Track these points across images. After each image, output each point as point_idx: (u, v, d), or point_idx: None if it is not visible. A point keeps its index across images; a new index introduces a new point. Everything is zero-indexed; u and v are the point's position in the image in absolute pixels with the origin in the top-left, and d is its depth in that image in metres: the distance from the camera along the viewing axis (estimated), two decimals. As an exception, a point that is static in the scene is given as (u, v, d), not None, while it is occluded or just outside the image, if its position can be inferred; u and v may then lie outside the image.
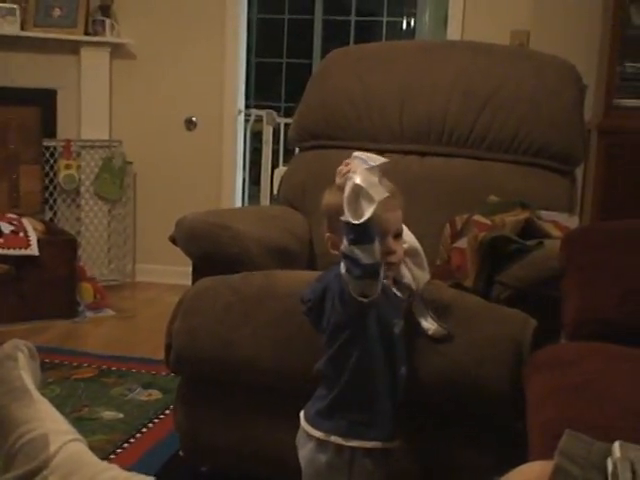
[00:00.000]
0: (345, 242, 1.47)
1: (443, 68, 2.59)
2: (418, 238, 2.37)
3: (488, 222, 2.09)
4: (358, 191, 1.44)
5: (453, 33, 3.99)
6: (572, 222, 2.18)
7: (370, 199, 1.43)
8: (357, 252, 1.44)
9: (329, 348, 1.62)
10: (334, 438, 1.59)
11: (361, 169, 1.48)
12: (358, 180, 1.45)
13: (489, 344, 1.76)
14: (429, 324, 1.73)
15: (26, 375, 1.21)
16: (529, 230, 2.04)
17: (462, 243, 2.10)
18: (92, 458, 1.13)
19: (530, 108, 2.47)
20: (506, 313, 1.83)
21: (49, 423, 1.14)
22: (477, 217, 2.14)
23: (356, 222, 1.41)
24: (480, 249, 1.96)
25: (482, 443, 1.80)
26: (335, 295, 1.56)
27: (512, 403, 1.70)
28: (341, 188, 1.50)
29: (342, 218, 1.45)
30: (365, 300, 1.50)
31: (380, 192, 1.45)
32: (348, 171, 1.50)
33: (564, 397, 1.27)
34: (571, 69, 2.55)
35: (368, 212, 1.42)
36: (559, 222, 2.13)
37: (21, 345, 1.29)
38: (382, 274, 1.52)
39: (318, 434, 1.60)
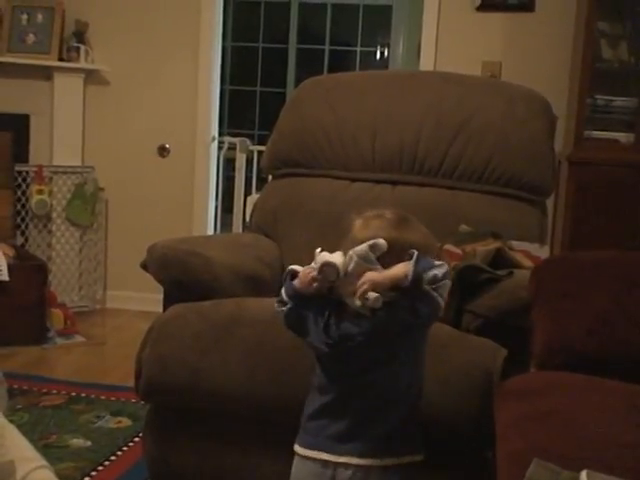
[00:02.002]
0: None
1: (415, 98, 2.62)
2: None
3: (459, 251, 2.11)
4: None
5: (426, 63, 4.04)
6: (543, 252, 2.21)
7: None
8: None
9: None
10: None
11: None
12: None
13: (459, 373, 1.76)
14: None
15: (-7, 401, 1.20)
16: (500, 260, 2.06)
17: (433, 272, 2.11)
18: (58, 486, 1.11)
19: (501, 138, 2.50)
20: (476, 342, 1.84)
21: (15, 450, 1.13)
22: (448, 246, 2.16)
23: None
24: (451, 278, 1.97)
25: (451, 472, 1.80)
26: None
27: (481, 432, 1.71)
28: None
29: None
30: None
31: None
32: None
33: (532, 426, 1.28)
34: (542, 100, 2.59)
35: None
36: (530, 252, 2.16)
37: (-13, 371, 1.28)
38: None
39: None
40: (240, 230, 4.39)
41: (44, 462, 1.14)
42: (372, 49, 7.15)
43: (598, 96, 3.63)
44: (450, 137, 2.53)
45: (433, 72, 3.62)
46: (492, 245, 2.12)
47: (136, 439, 2.61)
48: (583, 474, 0.88)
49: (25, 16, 4.24)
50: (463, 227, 2.32)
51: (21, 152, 4.18)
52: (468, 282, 1.95)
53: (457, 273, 1.95)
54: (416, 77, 2.85)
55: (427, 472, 1.78)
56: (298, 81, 6.36)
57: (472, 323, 1.92)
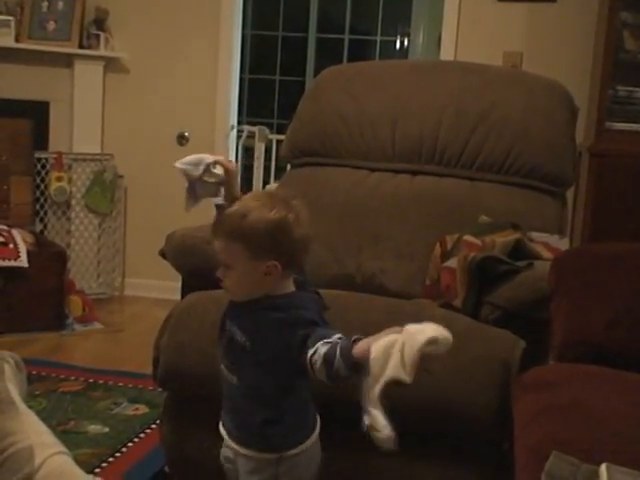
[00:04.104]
0: None
1: (435, 88, 2.61)
2: (408, 256, 2.39)
3: (478, 242, 2.10)
4: None
5: (446, 53, 4.01)
6: (563, 244, 2.19)
7: None
8: None
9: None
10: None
11: None
12: None
13: (477, 364, 1.75)
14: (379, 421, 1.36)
15: (12, 387, 1.21)
16: (519, 251, 2.04)
17: (452, 263, 2.10)
18: (77, 471, 1.12)
19: (521, 129, 2.48)
20: (494, 334, 1.83)
21: (34, 436, 1.13)
22: (467, 237, 2.15)
23: None
24: (470, 269, 1.97)
25: (467, 464, 1.80)
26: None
27: (499, 424, 1.70)
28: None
29: None
30: None
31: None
32: None
33: (551, 419, 1.27)
34: (563, 91, 2.56)
35: None
36: (550, 244, 2.14)
37: (7, 357, 1.29)
38: None
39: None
40: (258, 219, 4.39)
41: (63, 448, 1.14)
42: (392, 39, 7.12)
43: (620, 87, 3.59)
44: (470, 127, 2.51)
45: (454, 62, 3.60)
46: (512, 236, 2.10)
47: (153, 426, 2.62)
48: (603, 467, 0.87)
49: (46, 3, 4.25)
50: (482, 218, 2.31)
51: (41, 139, 4.20)
52: (487, 273, 1.94)
53: (476, 264, 1.95)
54: (437, 67, 2.83)
55: (445, 464, 1.79)
56: (317, 70, 6.34)
57: (490, 314, 1.91)
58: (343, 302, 1.95)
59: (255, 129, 4.55)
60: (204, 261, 2.12)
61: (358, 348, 1.34)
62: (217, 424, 1.66)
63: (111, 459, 2.38)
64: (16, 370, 1.26)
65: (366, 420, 1.34)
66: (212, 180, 1.68)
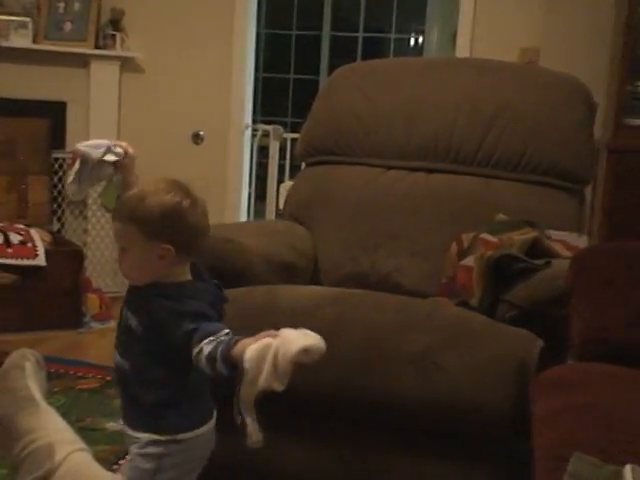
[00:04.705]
0: None
1: (450, 85, 2.59)
2: (423, 254, 2.39)
3: (495, 240, 2.09)
4: None
5: (462, 50, 4.00)
6: (581, 242, 2.18)
7: None
8: None
9: None
10: None
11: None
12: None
13: (493, 363, 1.74)
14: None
15: (33, 384, 1.21)
16: (537, 249, 2.03)
17: (469, 261, 2.09)
18: (97, 468, 1.13)
19: (538, 126, 2.46)
20: (511, 332, 1.81)
21: (55, 432, 1.14)
22: (484, 235, 2.14)
23: None
24: (487, 267, 1.96)
25: (482, 464, 1.79)
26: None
27: (515, 423, 1.69)
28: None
29: None
30: None
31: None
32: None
33: (571, 418, 1.26)
34: (581, 87, 2.54)
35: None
36: (568, 242, 2.13)
37: (28, 354, 1.29)
38: None
39: None
40: (273, 218, 4.39)
41: (83, 445, 1.15)
42: (406, 36, 7.10)
43: (638, 83, 3.56)
44: (486, 124, 2.50)
45: (469, 59, 3.58)
46: (529, 234, 2.09)
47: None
48: (627, 468, 0.86)
49: (62, 4, 4.27)
50: (499, 216, 2.30)
51: (58, 139, 4.22)
52: (504, 271, 1.93)
53: (493, 262, 1.94)
54: (452, 64, 2.82)
55: (461, 466, 1.78)
56: (331, 68, 6.32)
57: (508, 313, 1.90)
58: (357, 300, 1.94)
59: (270, 128, 4.54)
60: (221, 259, 2.12)
61: (235, 351, 1.36)
62: (232, 421, 1.66)
63: (128, 456, 2.39)
64: (37, 368, 1.27)
65: (238, 420, 1.36)
66: (112, 158, 1.75)
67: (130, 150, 1.80)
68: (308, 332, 1.33)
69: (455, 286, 2.14)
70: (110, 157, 1.75)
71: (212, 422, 1.62)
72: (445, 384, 1.72)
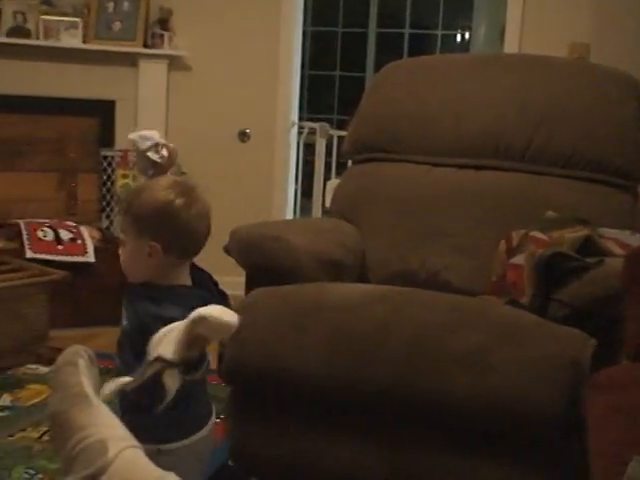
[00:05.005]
0: None
1: (499, 81, 2.57)
2: (471, 252, 2.37)
3: (546, 238, 2.06)
4: None
5: (510, 46, 3.95)
6: (634, 240, 2.13)
7: None
8: None
9: None
10: None
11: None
12: None
13: (545, 363, 1.72)
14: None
15: (86, 381, 1.23)
16: (589, 247, 1.99)
17: (519, 259, 2.07)
18: (149, 465, 1.13)
19: (589, 122, 2.43)
20: (563, 332, 1.79)
21: (107, 429, 1.15)
22: (535, 233, 2.11)
23: None
24: (538, 266, 1.93)
25: (534, 465, 1.76)
26: None
27: (567, 424, 1.67)
28: None
29: None
30: None
31: None
32: None
33: (628, 420, 1.23)
34: (633, 82, 2.50)
35: None
36: (620, 240, 2.09)
37: (81, 351, 1.31)
38: None
39: None
40: (319, 215, 4.39)
41: (134, 442, 1.16)
42: (453, 32, 7.05)
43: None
44: (536, 121, 2.47)
45: (518, 54, 3.54)
46: (580, 232, 2.06)
47: (217, 420, 2.63)
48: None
49: (111, 4, 4.32)
50: (550, 213, 2.26)
51: (107, 137, 4.28)
52: (555, 270, 1.90)
53: (544, 260, 1.91)
54: (501, 60, 2.79)
55: (511, 466, 1.76)
56: (377, 66, 6.30)
57: (559, 312, 1.87)
58: (407, 298, 1.94)
59: (316, 125, 4.54)
60: (269, 257, 2.13)
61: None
62: (283, 419, 1.67)
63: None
64: (89, 364, 1.28)
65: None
66: (155, 157, 1.79)
67: (173, 153, 1.84)
68: (219, 308, 1.31)
69: (505, 284, 2.11)
70: (153, 155, 1.80)
71: (203, 432, 1.58)
72: (496, 384, 1.70)
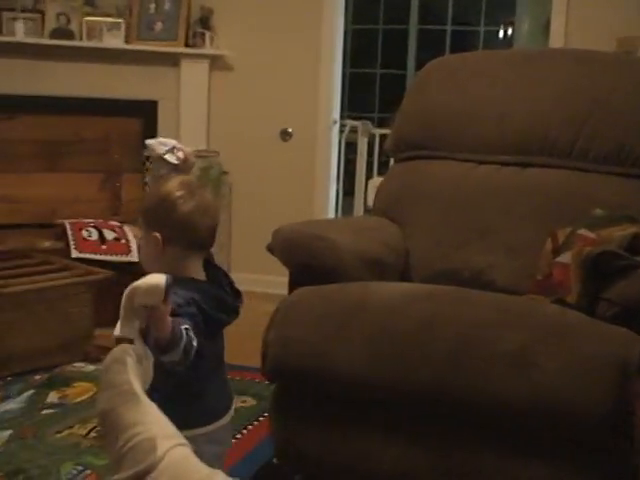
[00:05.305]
0: None
1: (545, 77, 2.53)
2: (516, 250, 2.34)
3: (594, 236, 2.02)
4: None
5: (555, 41, 3.89)
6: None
7: None
8: None
9: None
10: None
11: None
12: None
13: (592, 363, 1.69)
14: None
15: (134, 379, 1.24)
16: (637, 245, 1.96)
17: (565, 258, 2.04)
18: (197, 463, 1.14)
19: (637, 118, 2.38)
20: (612, 331, 1.76)
21: (156, 427, 1.16)
22: (582, 231, 2.08)
23: None
24: (585, 264, 1.90)
25: (579, 464, 1.73)
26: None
27: (615, 424, 1.64)
28: None
29: None
30: None
31: None
32: None
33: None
34: (683, 77, 2.44)
35: None
36: (671, 238, 2.04)
37: (129, 349, 1.32)
38: None
39: None
40: (361, 214, 4.39)
41: (183, 440, 1.16)
42: (495, 28, 6.99)
43: None
44: (583, 117, 2.43)
45: (565, 49, 3.49)
46: (629, 230, 2.01)
47: (261, 418, 2.65)
48: None
49: (153, 5, 4.36)
50: (597, 211, 2.22)
51: (149, 137, 4.28)
52: (604, 268, 1.87)
53: (592, 259, 1.88)
54: (546, 55, 2.75)
55: (559, 467, 1.73)
56: (419, 63, 6.26)
57: (608, 311, 1.84)
58: (451, 297, 1.92)
59: (358, 123, 4.54)
60: (312, 256, 2.13)
61: None
62: (327, 418, 1.67)
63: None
64: (137, 362, 1.30)
65: None
66: (172, 160, 1.87)
67: (191, 159, 1.91)
68: (155, 275, 1.39)
69: (551, 283, 2.08)
70: (170, 157, 1.87)
71: (221, 421, 1.66)
72: (543, 383, 1.68)
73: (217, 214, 1.64)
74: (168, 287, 1.36)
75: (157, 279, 1.37)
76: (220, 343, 1.73)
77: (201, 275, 1.62)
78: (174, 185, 1.58)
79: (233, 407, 1.74)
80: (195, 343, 1.45)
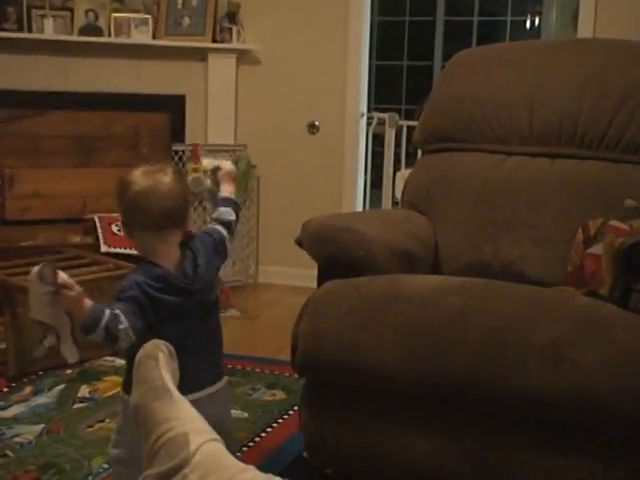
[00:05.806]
0: None
1: (574, 67, 2.50)
2: (547, 242, 2.32)
3: (626, 227, 2.00)
4: None
5: (584, 31, 3.84)
6: None
7: None
8: None
9: None
10: None
11: None
12: None
13: (627, 355, 1.67)
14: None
15: (166, 374, 1.25)
16: (671, 236, 1.93)
17: (597, 249, 2.02)
18: (230, 458, 1.14)
19: (670, 108, 2.35)
20: (647, 324, 1.74)
21: (189, 422, 1.17)
22: (613, 222, 2.05)
23: None
24: (617, 255, 1.88)
25: (617, 461, 1.71)
26: None
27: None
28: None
29: None
30: None
31: None
32: None
33: None
34: None
35: None
36: None
37: (161, 345, 1.33)
38: None
39: None
40: (389, 206, 4.37)
41: (215, 435, 1.17)
42: (522, 18, 6.92)
43: None
44: (614, 107, 2.39)
45: (595, 39, 3.44)
46: (662, 221, 1.99)
47: (291, 412, 2.66)
48: None
49: (181, 0, 4.38)
50: (629, 202, 2.19)
51: (177, 132, 4.34)
52: (636, 260, 1.85)
53: (625, 250, 1.86)
54: (575, 45, 2.71)
55: (593, 462, 1.71)
56: (445, 54, 6.23)
57: (641, 303, 1.82)
58: (482, 290, 1.91)
59: (385, 116, 4.51)
60: (341, 249, 2.13)
61: None
62: (358, 412, 1.66)
63: (251, 444, 2.44)
64: (169, 358, 1.30)
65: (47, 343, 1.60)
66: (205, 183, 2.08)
67: (229, 168, 1.97)
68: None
69: (582, 275, 2.06)
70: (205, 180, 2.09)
71: (200, 393, 1.68)
72: (575, 377, 1.66)
73: (174, 196, 1.64)
74: (42, 271, 1.47)
75: (38, 266, 1.49)
76: (192, 324, 1.73)
77: (173, 257, 1.67)
78: (134, 171, 1.65)
79: (218, 383, 1.81)
80: (125, 325, 1.54)
